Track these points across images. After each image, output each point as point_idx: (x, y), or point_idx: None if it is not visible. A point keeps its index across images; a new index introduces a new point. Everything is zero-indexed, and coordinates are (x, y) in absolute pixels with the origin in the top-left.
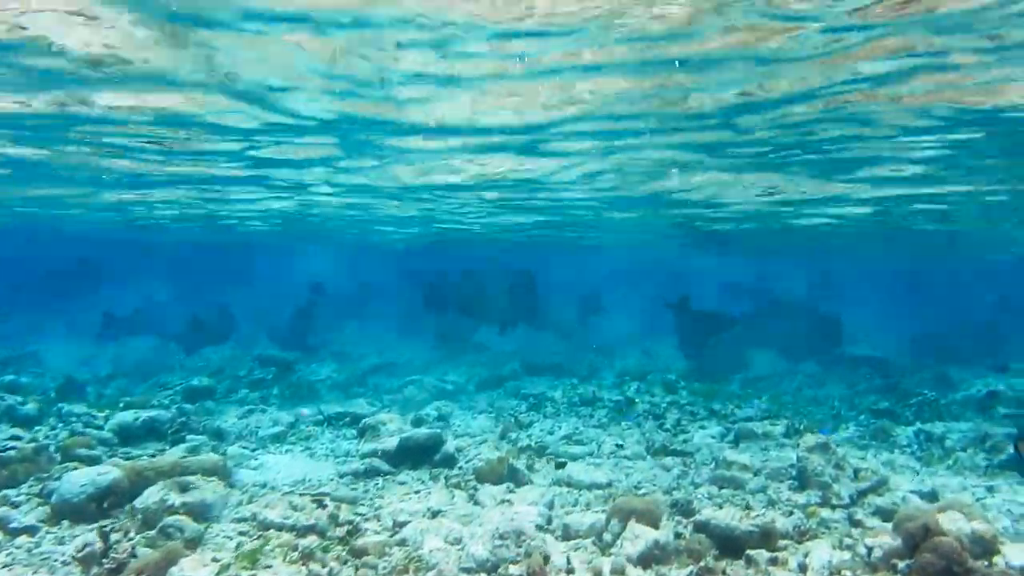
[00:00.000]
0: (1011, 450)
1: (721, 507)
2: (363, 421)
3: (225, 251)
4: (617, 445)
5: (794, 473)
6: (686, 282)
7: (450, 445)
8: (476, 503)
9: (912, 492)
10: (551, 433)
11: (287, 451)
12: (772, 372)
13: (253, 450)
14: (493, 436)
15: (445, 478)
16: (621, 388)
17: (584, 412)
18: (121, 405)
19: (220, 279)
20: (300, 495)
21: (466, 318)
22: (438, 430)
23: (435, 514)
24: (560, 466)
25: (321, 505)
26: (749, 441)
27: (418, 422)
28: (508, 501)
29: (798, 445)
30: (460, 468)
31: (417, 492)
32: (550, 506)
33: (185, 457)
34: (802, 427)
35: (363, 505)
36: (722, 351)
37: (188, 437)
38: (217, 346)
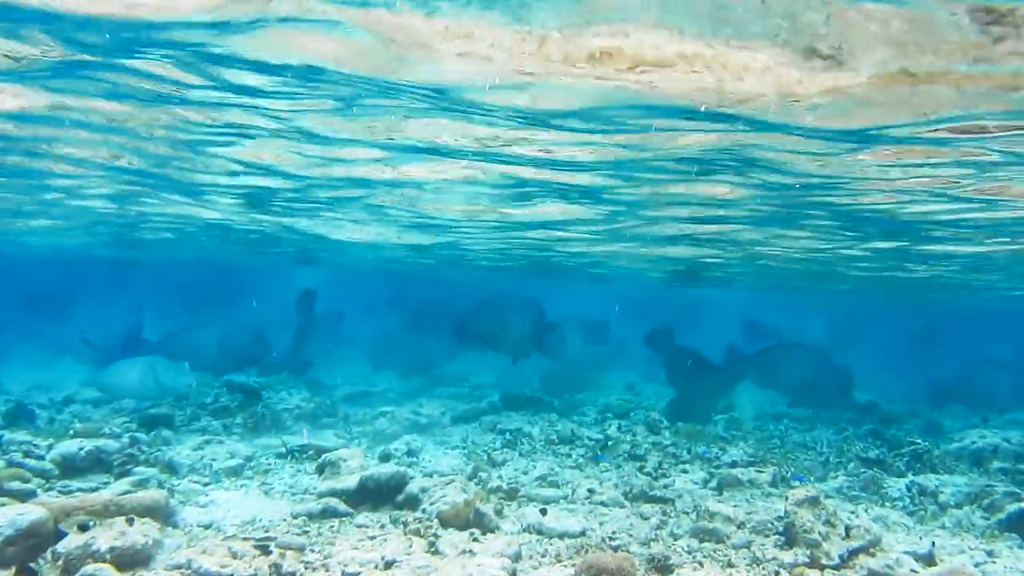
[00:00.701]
0: (1011, 509)
1: (702, 564)
2: (323, 456)
3: (198, 271)
4: (589, 491)
5: (781, 528)
6: (702, 314)
7: (414, 485)
8: (436, 552)
9: (907, 553)
10: (525, 473)
11: (242, 487)
12: (760, 413)
13: (205, 485)
14: (463, 475)
15: (404, 523)
16: (602, 425)
17: (561, 451)
18: (71, 433)
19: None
20: (244, 539)
21: (480, 348)
22: (402, 469)
23: (388, 565)
24: (542, 513)
25: (265, 552)
26: (733, 489)
27: (386, 457)
28: (470, 551)
29: (786, 498)
30: (424, 511)
31: (373, 538)
32: (516, 558)
33: (127, 493)
34: (789, 475)
35: (312, 552)
36: (707, 390)
37: (136, 470)
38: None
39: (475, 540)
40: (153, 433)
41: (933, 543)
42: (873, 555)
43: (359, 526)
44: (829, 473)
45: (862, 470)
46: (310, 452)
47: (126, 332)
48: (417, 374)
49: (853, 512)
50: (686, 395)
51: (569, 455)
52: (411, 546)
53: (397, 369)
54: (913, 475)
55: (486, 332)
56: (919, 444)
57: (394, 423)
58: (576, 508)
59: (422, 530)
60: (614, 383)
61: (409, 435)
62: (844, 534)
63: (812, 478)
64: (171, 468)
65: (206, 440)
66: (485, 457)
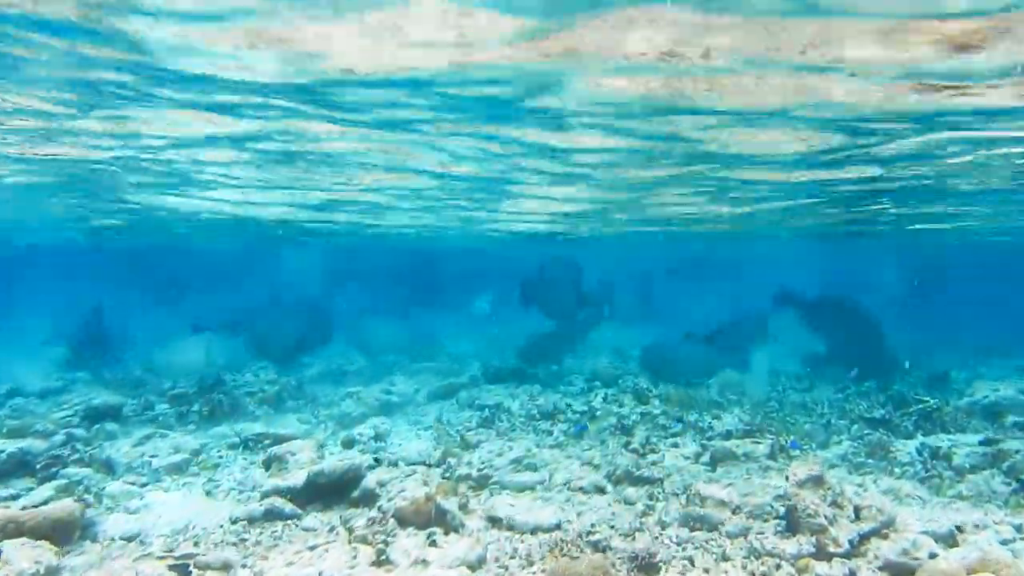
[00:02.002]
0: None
1: (692, 562)
2: (270, 450)
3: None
4: (569, 475)
5: (782, 510)
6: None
7: (371, 479)
8: (386, 561)
9: (925, 533)
10: (500, 455)
11: (184, 485)
12: (756, 373)
13: (142, 486)
14: (432, 460)
15: (351, 529)
16: (588, 396)
17: (543, 427)
18: (4, 431)
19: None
20: (160, 558)
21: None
22: (357, 461)
23: None
24: (513, 505)
25: (183, 573)
26: (728, 464)
27: (349, 443)
28: (424, 561)
29: (787, 478)
30: (380, 508)
31: (314, 548)
32: (479, 563)
33: (47, 501)
34: (788, 444)
35: (241, 570)
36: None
37: (65, 472)
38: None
39: (432, 544)
40: (97, 427)
41: (957, 528)
42: (887, 538)
43: (306, 530)
44: (832, 438)
45: (867, 432)
46: (266, 441)
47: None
48: (396, 349)
49: (861, 486)
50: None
51: (550, 432)
52: (355, 557)
53: (375, 345)
54: (923, 436)
55: (540, 297)
56: (928, 402)
57: (362, 404)
58: (552, 496)
59: (370, 536)
60: (602, 346)
61: (378, 417)
62: (853, 516)
63: (814, 444)
64: (108, 467)
65: (150, 434)
66: (458, 439)
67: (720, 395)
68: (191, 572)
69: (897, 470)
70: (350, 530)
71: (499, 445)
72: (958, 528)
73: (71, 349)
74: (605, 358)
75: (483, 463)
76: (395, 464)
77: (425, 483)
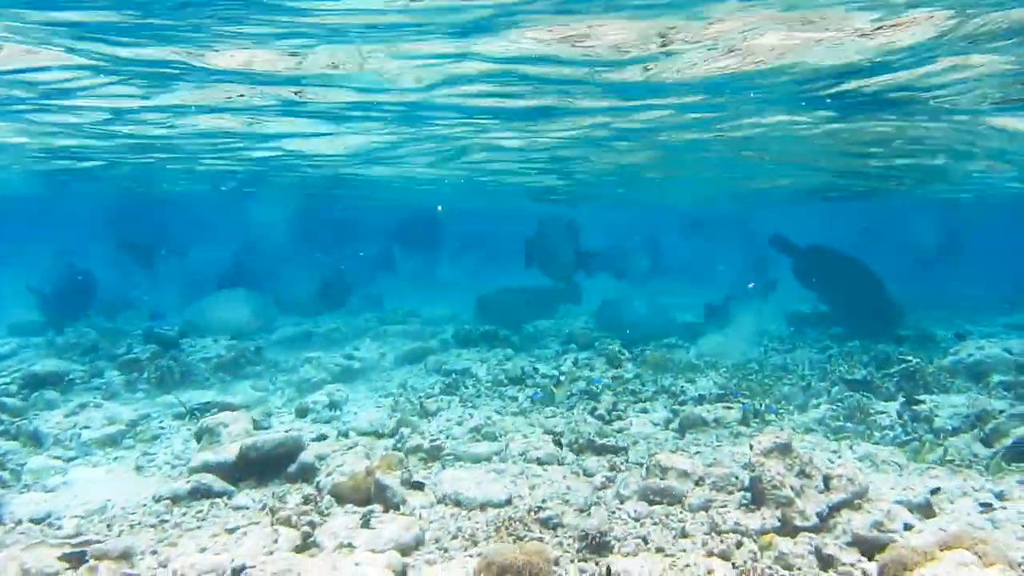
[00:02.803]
0: (1019, 434)
1: (646, 540)
2: (202, 422)
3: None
4: (526, 445)
5: (747, 482)
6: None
7: (309, 452)
8: (312, 545)
9: (899, 503)
10: (460, 423)
11: (115, 460)
12: (736, 335)
13: (68, 460)
14: (386, 430)
15: (272, 511)
16: (560, 360)
17: (509, 393)
18: None
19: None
20: (53, 545)
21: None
22: (295, 433)
23: (237, 573)
24: (460, 480)
25: (78, 561)
26: (697, 431)
27: (303, 412)
28: (350, 545)
29: (751, 446)
30: (318, 484)
31: (233, 531)
32: (414, 546)
33: None
34: (763, 407)
35: (146, 557)
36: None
37: None
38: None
39: (366, 524)
40: (36, 395)
41: (933, 491)
42: (859, 509)
43: (236, 508)
44: (811, 401)
45: (847, 394)
46: (214, 410)
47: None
48: (368, 310)
49: (836, 452)
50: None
51: (516, 398)
52: (276, 541)
53: (347, 307)
54: (904, 396)
55: (539, 258)
56: (910, 361)
57: (321, 370)
58: (507, 468)
59: (294, 518)
60: (581, 308)
61: (336, 384)
62: (823, 486)
63: (792, 408)
64: (36, 439)
65: (87, 402)
66: (417, 406)
67: (698, 358)
68: (87, 561)
69: (876, 434)
70: (273, 511)
71: (459, 413)
72: (934, 494)
73: (39, 309)
74: (582, 320)
75: (440, 433)
76: (345, 434)
77: (367, 456)
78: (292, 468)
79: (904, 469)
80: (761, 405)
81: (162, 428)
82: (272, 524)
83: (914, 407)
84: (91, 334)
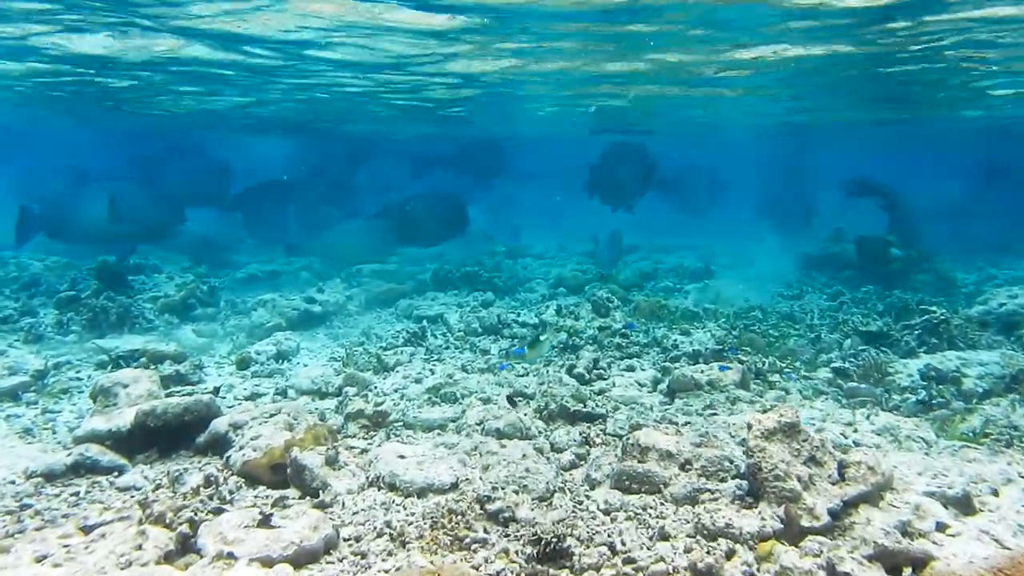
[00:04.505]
0: None
1: (613, 549)
2: (97, 381)
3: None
4: (485, 409)
5: (743, 467)
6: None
7: (223, 421)
8: (189, 551)
9: (929, 493)
10: (418, 381)
11: (6, 419)
12: (737, 276)
13: None
14: (331, 388)
15: (141, 504)
16: (544, 306)
17: (482, 345)
18: None
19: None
20: None
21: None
22: (205, 397)
23: None
24: (401, 456)
25: None
26: (688, 396)
27: (244, 364)
28: (231, 556)
29: (748, 426)
30: (229, 460)
31: (90, 529)
32: (326, 546)
33: None
34: (766, 367)
35: None
36: None
37: None
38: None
39: (265, 522)
40: None
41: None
42: (879, 504)
43: (123, 489)
44: (820, 356)
45: (861, 349)
46: (142, 359)
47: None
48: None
49: (850, 425)
50: None
51: (488, 351)
52: (140, 547)
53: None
54: (927, 352)
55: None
56: (933, 312)
57: (275, 314)
58: (461, 441)
59: (169, 515)
60: (576, 249)
61: (287, 332)
62: (836, 475)
63: (799, 363)
64: None
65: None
66: (374, 360)
67: (696, 304)
68: None
69: (896, 397)
70: (143, 504)
71: (419, 368)
72: (972, 483)
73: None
74: (573, 261)
75: (395, 392)
76: (283, 393)
77: (290, 426)
78: (202, 439)
79: (932, 446)
80: (765, 363)
81: (77, 380)
82: (141, 521)
83: (938, 365)
84: (34, 266)
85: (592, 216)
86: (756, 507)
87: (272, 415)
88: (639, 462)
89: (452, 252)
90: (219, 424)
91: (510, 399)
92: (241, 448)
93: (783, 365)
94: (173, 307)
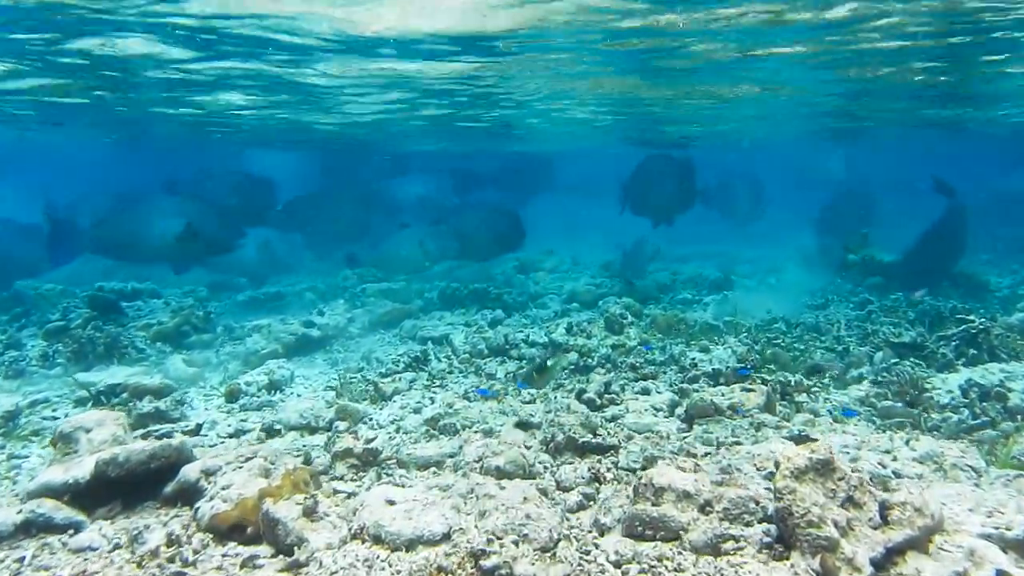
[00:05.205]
0: None
1: None
2: (59, 426)
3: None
4: (485, 444)
5: (771, 509)
6: None
7: (194, 467)
8: None
9: (985, 536)
10: (417, 411)
11: None
12: (759, 285)
13: None
14: (322, 422)
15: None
16: (554, 323)
17: (488, 368)
18: None
19: None
20: None
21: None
22: (176, 441)
23: None
24: (390, 503)
25: None
26: (707, 423)
27: (234, 396)
28: None
29: (776, 465)
30: (197, 512)
31: None
32: None
33: None
34: (792, 385)
35: None
36: None
37: None
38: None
39: None
40: None
41: None
42: (928, 550)
43: (77, 551)
44: (849, 371)
45: (894, 362)
46: (124, 394)
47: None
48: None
49: (889, 452)
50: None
51: (494, 375)
52: None
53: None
54: (966, 366)
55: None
56: (971, 321)
57: (271, 340)
58: (455, 483)
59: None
60: (590, 261)
61: (282, 359)
62: (878, 518)
63: (828, 378)
64: None
65: None
66: (371, 388)
67: (716, 318)
68: None
69: (935, 416)
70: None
71: (418, 397)
72: None
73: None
74: (587, 275)
75: (391, 424)
76: (270, 429)
77: (267, 472)
78: (169, 488)
79: (983, 475)
80: (793, 378)
81: (53, 420)
82: None
83: (980, 380)
84: (29, 293)
85: (617, 226)
86: (788, 558)
87: (248, 458)
88: (653, 504)
89: (463, 268)
90: (189, 471)
91: (521, 424)
92: (211, 499)
93: (810, 384)
94: (166, 335)
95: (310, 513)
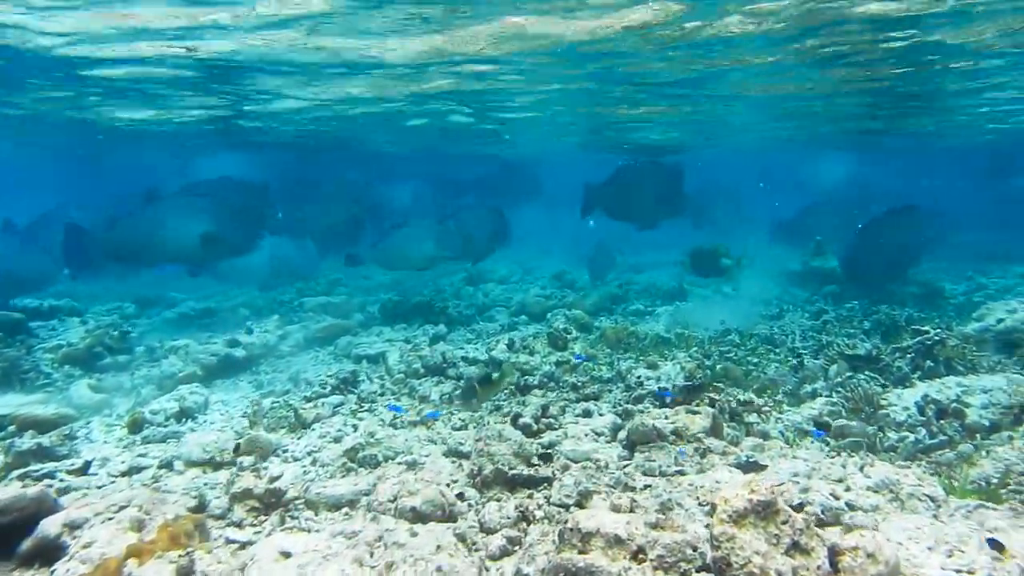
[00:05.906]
0: None
1: None
2: None
3: None
4: (402, 482)
5: (710, 557)
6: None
7: (54, 521)
8: None
9: None
10: (337, 440)
11: None
12: (714, 295)
13: None
14: (228, 456)
15: None
16: (496, 339)
17: (423, 388)
18: None
19: None
20: None
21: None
22: (35, 490)
23: None
24: (285, 555)
25: None
26: (650, 449)
27: (138, 426)
28: None
29: (712, 507)
30: (55, 574)
31: None
32: None
33: None
34: (741, 404)
35: None
36: None
37: None
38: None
39: None
40: None
41: (992, 544)
42: None
43: None
44: (803, 387)
45: (849, 376)
46: (10, 428)
47: None
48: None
49: (841, 482)
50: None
51: (427, 396)
52: None
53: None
54: (922, 380)
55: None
56: (927, 332)
57: (189, 362)
58: (363, 529)
59: None
60: (544, 270)
61: (199, 383)
62: (827, 565)
63: (780, 395)
64: None
65: None
66: (292, 414)
67: (668, 330)
68: None
69: (891, 435)
70: None
71: (340, 424)
72: (997, 551)
73: None
74: (538, 285)
75: (307, 456)
76: (168, 465)
77: (139, 524)
78: (26, 546)
79: (942, 505)
80: (740, 398)
81: None
82: None
83: (936, 395)
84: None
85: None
86: None
87: (122, 507)
88: (580, 552)
89: (410, 279)
90: (49, 525)
91: (450, 453)
92: (69, 559)
93: (760, 403)
94: (76, 357)
95: (185, 574)
